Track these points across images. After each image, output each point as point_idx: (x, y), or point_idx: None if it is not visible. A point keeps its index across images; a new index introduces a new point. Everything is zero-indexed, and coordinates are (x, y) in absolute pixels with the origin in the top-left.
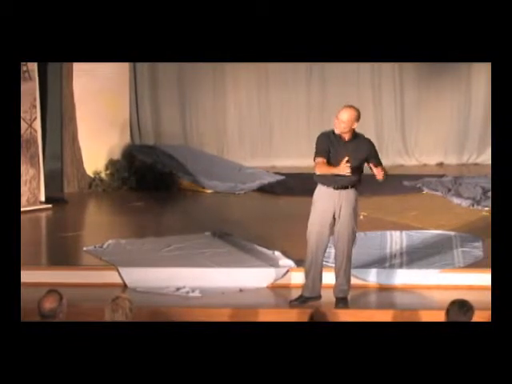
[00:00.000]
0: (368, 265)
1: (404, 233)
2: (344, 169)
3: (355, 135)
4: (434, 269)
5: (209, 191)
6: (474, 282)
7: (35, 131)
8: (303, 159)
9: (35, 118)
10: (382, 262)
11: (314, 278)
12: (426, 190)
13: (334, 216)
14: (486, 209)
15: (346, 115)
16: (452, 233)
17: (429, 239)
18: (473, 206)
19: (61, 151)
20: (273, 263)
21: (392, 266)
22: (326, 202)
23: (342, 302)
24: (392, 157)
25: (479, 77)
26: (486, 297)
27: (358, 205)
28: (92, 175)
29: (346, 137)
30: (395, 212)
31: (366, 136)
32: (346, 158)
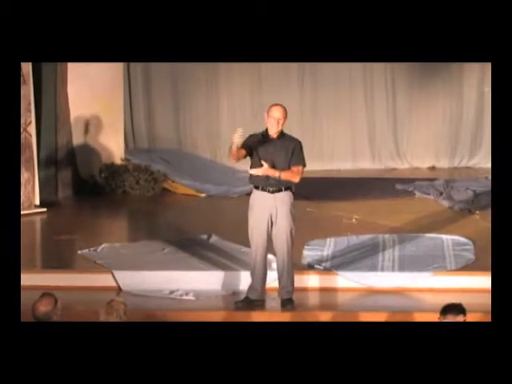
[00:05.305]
0: (360, 268)
1: (396, 236)
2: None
3: (283, 134)
4: (426, 272)
5: (202, 195)
6: (467, 285)
7: (30, 135)
8: None
9: (30, 122)
10: (374, 265)
11: (257, 281)
12: (417, 194)
13: (271, 219)
14: (478, 212)
15: (280, 113)
16: (444, 236)
17: (421, 242)
18: (464, 209)
19: (55, 155)
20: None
21: (384, 269)
22: (262, 206)
23: (288, 303)
24: (384, 160)
25: (471, 80)
26: (479, 299)
27: (293, 206)
28: (86, 179)
29: (275, 135)
30: (387, 215)
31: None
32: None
